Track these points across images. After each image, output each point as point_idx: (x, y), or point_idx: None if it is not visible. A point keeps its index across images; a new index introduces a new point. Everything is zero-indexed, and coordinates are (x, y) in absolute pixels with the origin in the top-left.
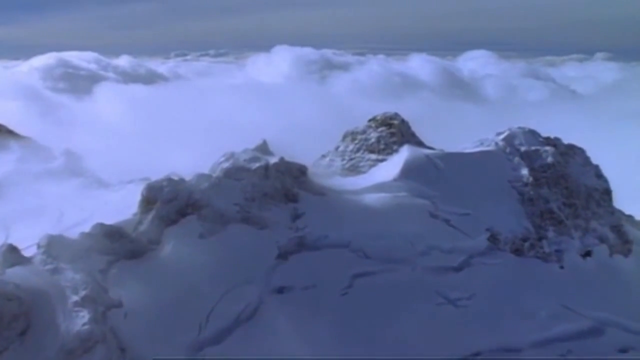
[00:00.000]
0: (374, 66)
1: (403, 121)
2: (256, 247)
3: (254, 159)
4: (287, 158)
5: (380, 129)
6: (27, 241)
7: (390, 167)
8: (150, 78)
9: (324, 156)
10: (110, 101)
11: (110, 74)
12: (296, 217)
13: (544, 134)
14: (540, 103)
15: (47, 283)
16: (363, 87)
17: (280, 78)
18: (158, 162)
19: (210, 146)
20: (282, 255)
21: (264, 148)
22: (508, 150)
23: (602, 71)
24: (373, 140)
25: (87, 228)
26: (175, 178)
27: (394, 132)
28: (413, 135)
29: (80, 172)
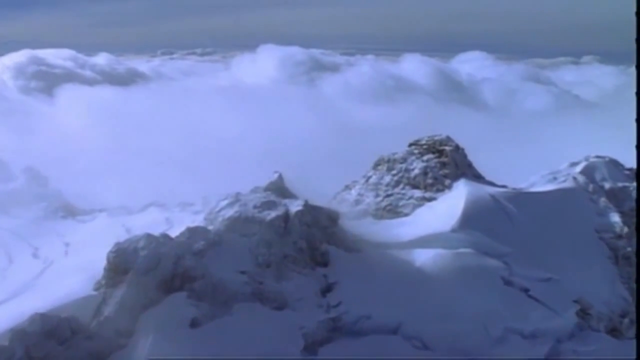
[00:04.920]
0: (365, 67)
1: (457, 148)
2: (274, 337)
3: (267, 205)
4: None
5: (426, 157)
6: None
7: (445, 211)
8: (130, 77)
9: (348, 187)
10: (79, 105)
11: (87, 73)
12: (327, 289)
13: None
14: (545, 109)
15: None
16: (354, 90)
17: (266, 79)
18: (134, 182)
19: (193, 162)
20: (310, 347)
21: (279, 186)
22: (591, 188)
23: (600, 75)
24: (417, 171)
25: (36, 299)
26: (156, 234)
27: (446, 161)
28: (470, 166)
29: (43, 195)
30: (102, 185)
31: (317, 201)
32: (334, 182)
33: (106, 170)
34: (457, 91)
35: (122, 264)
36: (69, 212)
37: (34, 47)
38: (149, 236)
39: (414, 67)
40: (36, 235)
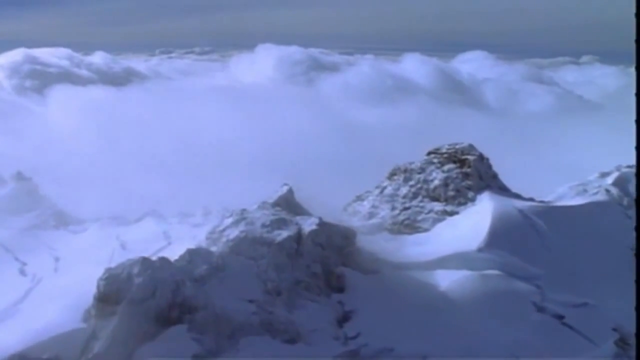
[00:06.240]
0: (364, 67)
1: (481, 157)
2: None
3: (277, 223)
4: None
5: (446, 167)
6: None
7: (469, 228)
8: (127, 77)
9: (359, 198)
10: (72, 106)
11: (83, 72)
12: (344, 318)
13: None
14: (549, 110)
15: None
16: (354, 90)
17: (265, 79)
18: (129, 187)
19: (191, 164)
20: None
21: (288, 200)
22: (625, 201)
23: (601, 76)
24: (437, 182)
25: (19, 330)
26: (152, 258)
27: (469, 172)
28: (495, 177)
29: (33, 203)
30: (96, 191)
31: (327, 213)
32: (335, 183)
33: (100, 176)
34: (458, 91)
35: (113, 292)
36: (61, 221)
37: (29, 46)
38: (144, 260)
39: (414, 66)
40: (25, 249)
